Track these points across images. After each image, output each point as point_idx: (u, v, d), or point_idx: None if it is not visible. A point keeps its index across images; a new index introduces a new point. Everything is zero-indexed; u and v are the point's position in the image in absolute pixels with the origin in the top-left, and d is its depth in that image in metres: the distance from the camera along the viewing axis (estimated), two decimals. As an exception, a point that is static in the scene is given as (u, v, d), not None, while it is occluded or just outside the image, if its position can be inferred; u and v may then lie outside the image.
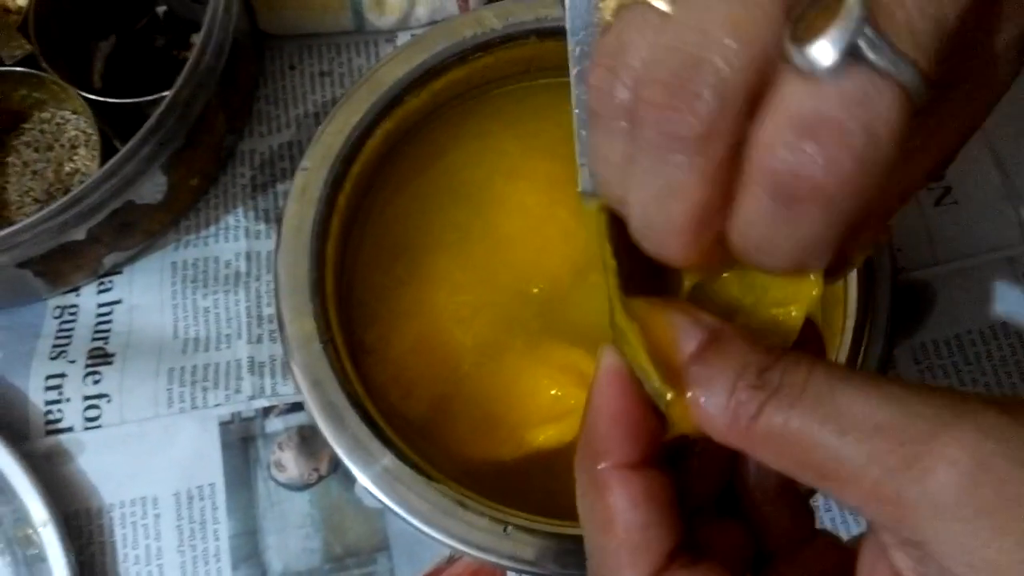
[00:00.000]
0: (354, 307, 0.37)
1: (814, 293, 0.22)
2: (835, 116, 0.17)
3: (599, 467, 0.20)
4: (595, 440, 0.21)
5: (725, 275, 0.23)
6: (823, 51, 0.17)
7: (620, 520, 0.20)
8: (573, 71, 0.26)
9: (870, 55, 0.17)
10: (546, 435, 0.35)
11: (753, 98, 0.17)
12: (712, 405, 0.19)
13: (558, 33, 0.39)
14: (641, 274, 0.22)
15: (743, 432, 0.19)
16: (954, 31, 0.18)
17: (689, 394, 0.19)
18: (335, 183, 0.36)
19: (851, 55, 0.17)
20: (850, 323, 0.34)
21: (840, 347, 0.34)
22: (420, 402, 0.36)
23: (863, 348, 0.33)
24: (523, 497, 0.34)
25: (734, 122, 0.18)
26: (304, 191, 0.36)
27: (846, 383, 0.18)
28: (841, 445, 0.17)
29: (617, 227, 0.22)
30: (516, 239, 0.38)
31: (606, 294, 0.22)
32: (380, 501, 0.32)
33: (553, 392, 0.36)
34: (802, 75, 0.17)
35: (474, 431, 0.36)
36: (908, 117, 0.17)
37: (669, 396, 0.19)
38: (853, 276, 0.34)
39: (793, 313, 0.23)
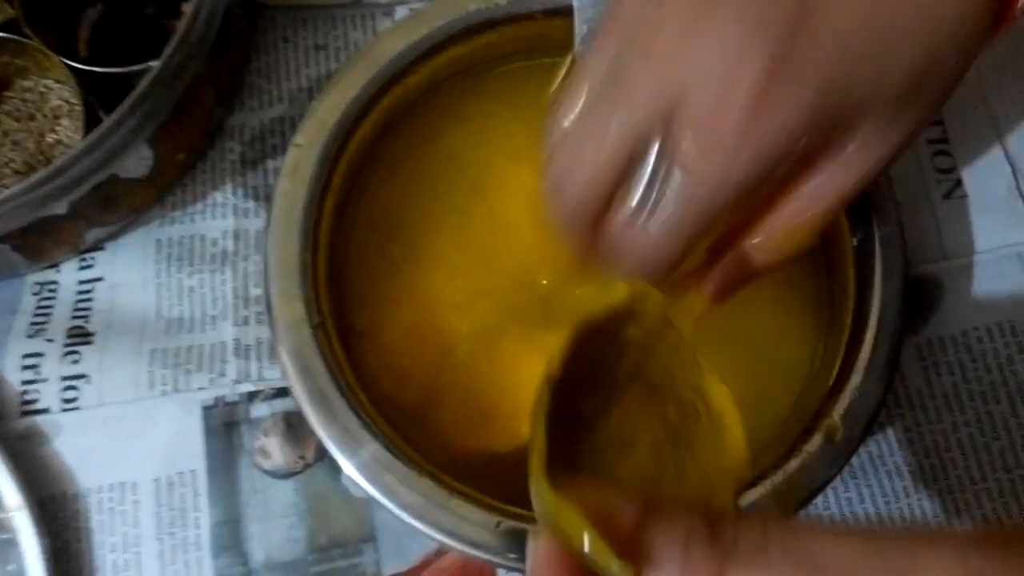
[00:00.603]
0: (346, 290, 0.36)
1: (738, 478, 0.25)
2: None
3: None
4: None
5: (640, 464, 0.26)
6: None
7: None
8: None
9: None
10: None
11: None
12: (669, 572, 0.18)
13: (565, 12, 0.37)
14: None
15: None
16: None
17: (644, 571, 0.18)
18: (329, 161, 0.35)
19: None
20: (859, 319, 0.33)
21: (847, 344, 0.33)
22: (412, 389, 0.35)
23: (872, 346, 0.32)
24: (516, 492, 0.33)
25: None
26: (296, 169, 0.34)
27: (808, 530, 0.18)
28: None
29: (558, 398, 0.24)
30: (517, 224, 0.36)
31: (601, 305, 0.22)
32: (367, 492, 0.30)
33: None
34: None
35: (467, 420, 0.35)
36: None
37: (624, 573, 0.18)
38: (863, 272, 0.33)
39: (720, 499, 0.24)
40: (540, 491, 0.21)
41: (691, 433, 0.28)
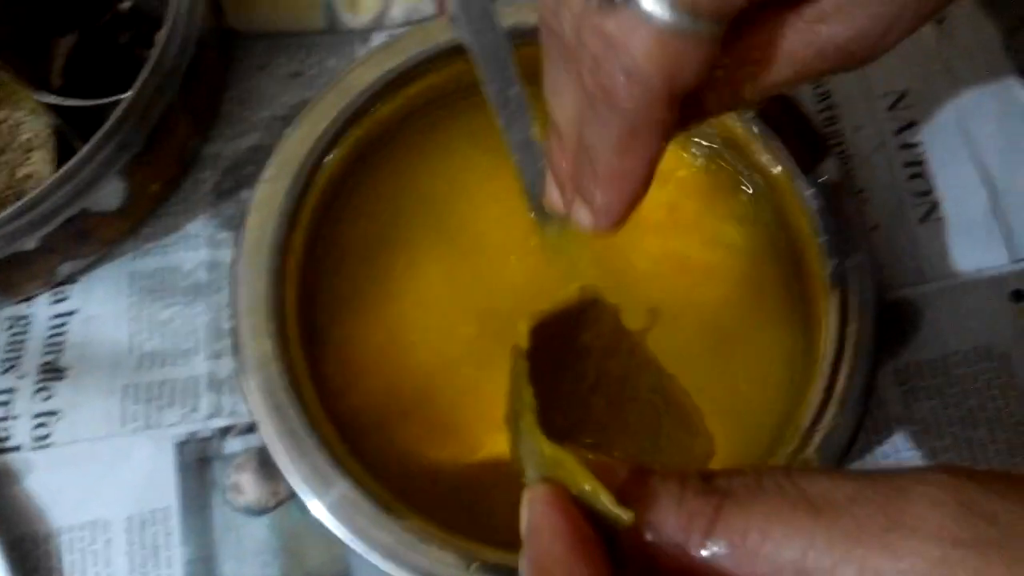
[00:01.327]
0: (318, 318, 0.36)
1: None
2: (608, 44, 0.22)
3: None
4: (552, 566, 0.19)
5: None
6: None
7: None
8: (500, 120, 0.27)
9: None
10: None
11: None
12: (663, 518, 0.18)
13: (535, 42, 0.37)
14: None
15: (700, 542, 0.18)
16: None
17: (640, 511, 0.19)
18: (298, 195, 0.34)
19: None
20: (831, 348, 0.33)
21: (823, 375, 0.33)
22: (378, 408, 0.35)
23: (847, 373, 0.32)
24: (484, 518, 0.33)
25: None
26: (265, 203, 0.34)
27: (801, 472, 0.18)
28: (817, 525, 0.17)
29: (534, 373, 0.24)
30: (483, 253, 0.36)
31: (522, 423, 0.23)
32: (336, 534, 0.30)
33: None
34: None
35: (430, 433, 0.35)
36: (663, 43, 0.21)
37: (624, 515, 0.19)
38: (835, 302, 0.33)
39: None
40: (537, 443, 0.21)
41: (656, 435, 0.28)
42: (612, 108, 0.23)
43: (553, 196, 0.30)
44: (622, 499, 0.19)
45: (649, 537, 0.19)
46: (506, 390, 0.36)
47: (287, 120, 0.43)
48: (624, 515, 0.18)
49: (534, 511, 0.20)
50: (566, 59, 0.25)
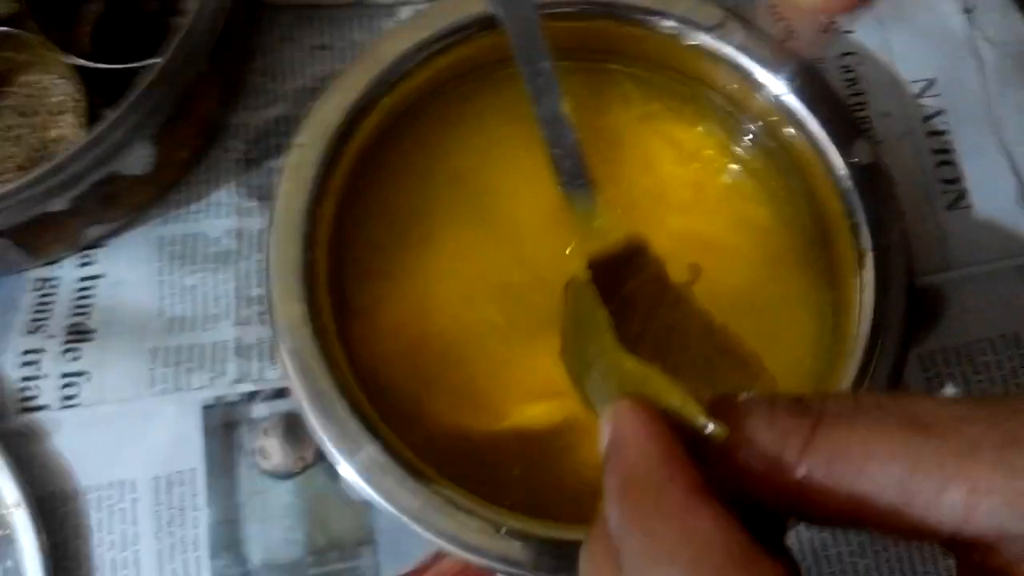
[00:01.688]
0: (347, 285, 0.36)
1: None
2: None
3: (667, 494, 0.17)
4: (643, 480, 0.18)
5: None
6: None
7: (721, 540, 0.17)
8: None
9: None
10: (533, 412, 0.35)
11: None
12: (756, 435, 0.17)
13: (567, 15, 0.38)
14: None
15: (796, 459, 0.17)
16: None
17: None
18: (330, 162, 0.34)
19: None
20: (864, 329, 0.33)
21: (851, 356, 0.33)
22: (404, 374, 0.35)
23: (875, 358, 0.32)
24: (505, 488, 0.33)
25: None
26: (297, 169, 0.34)
27: (904, 395, 0.17)
28: (926, 443, 0.16)
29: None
30: (513, 225, 0.37)
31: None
32: (365, 495, 0.30)
33: (549, 372, 0.35)
34: None
35: (454, 401, 0.35)
36: None
37: (718, 428, 0.18)
38: (867, 282, 0.33)
39: None
40: (618, 360, 0.20)
41: (711, 382, 0.28)
42: None
43: None
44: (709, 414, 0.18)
45: (741, 456, 0.18)
46: (531, 362, 0.36)
47: (313, 92, 0.44)
48: (718, 428, 0.18)
49: (621, 423, 0.19)
50: None
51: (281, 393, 0.37)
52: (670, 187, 0.39)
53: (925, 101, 0.44)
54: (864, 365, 0.32)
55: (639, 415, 0.19)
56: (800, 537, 0.36)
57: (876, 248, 0.33)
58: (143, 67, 0.38)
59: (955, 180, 0.42)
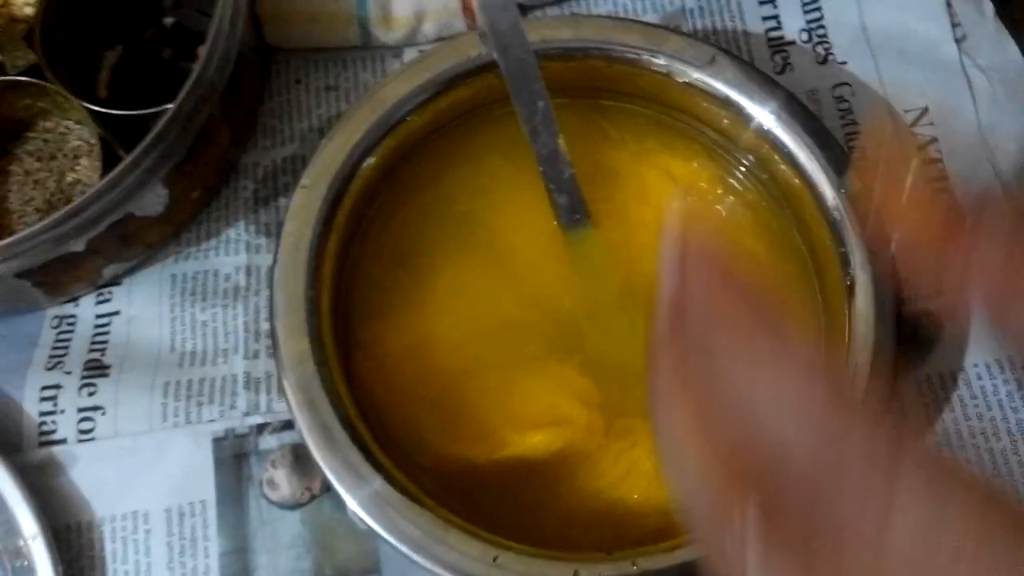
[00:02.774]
0: (350, 320, 0.37)
1: None
2: None
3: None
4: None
5: None
6: None
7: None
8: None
9: None
10: (532, 440, 0.36)
11: None
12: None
13: (565, 56, 0.39)
14: None
15: None
16: None
17: None
18: (334, 201, 0.36)
19: None
20: (852, 359, 0.34)
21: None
22: (406, 406, 0.36)
23: (866, 382, 0.33)
24: (505, 516, 0.34)
25: None
26: (303, 209, 0.35)
27: None
28: None
29: None
30: (515, 263, 0.38)
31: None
32: (368, 526, 0.31)
33: (548, 402, 0.36)
34: None
35: (456, 432, 0.36)
36: None
37: None
38: (858, 310, 0.34)
39: None
40: None
41: None
42: None
43: None
44: None
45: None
46: (530, 391, 0.37)
47: (322, 131, 0.45)
48: None
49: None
50: None
51: (289, 425, 0.38)
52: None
53: (919, 129, 0.44)
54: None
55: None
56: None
57: (864, 278, 0.34)
58: (157, 112, 0.39)
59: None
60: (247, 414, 0.39)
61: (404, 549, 0.31)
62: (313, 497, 0.37)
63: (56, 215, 0.36)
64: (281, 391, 0.33)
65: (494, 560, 0.30)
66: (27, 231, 0.36)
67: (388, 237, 0.38)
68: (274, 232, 0.43)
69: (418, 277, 0.38)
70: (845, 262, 0.35)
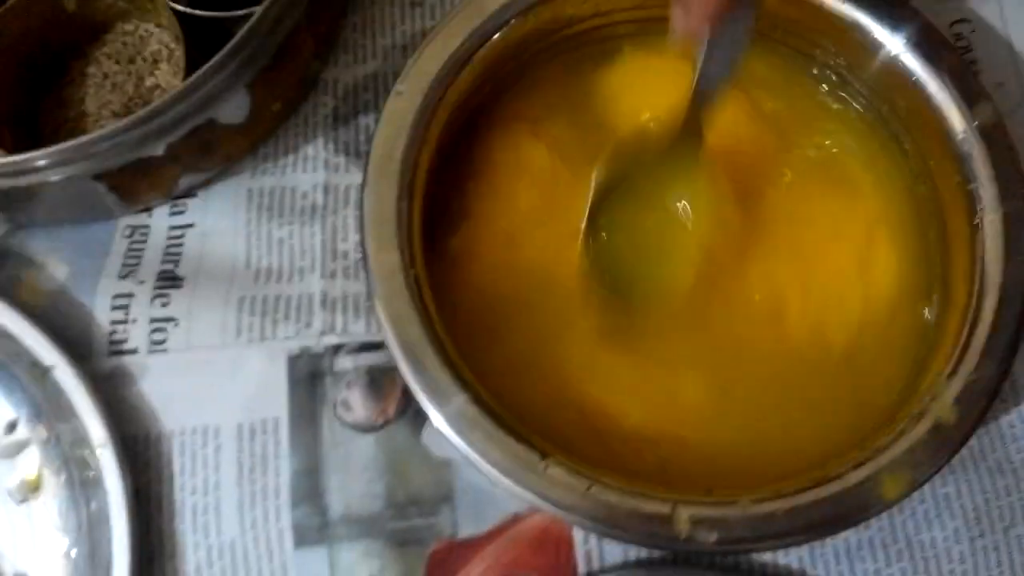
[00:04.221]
0: (435, 230, 0.36)
1: None
2: None
3: None
4: None
5: None
6: None
7: None
8: None
9: None
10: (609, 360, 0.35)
11: None
12: None
13: None
14: None
15: None
16: None
17: None
18: (428, 111, 0.34)
19: None
20: (976, 303, 0.31)
21: (963, 323, 0.31)
22: (487, 319, 0.35)
23: (992, 327, 0.31)
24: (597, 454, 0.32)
25: None
26: (396, 116, 0.34)
27: None
28: None
29: None
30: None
31: None
32: (454, 448, 0.30)
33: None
34: None
35: (533, 349, 0.35)
36: None
37: None
38: (987, 247, 0.31)
39: None
40: None
41: None
42: None
43: None
44: None
45: None
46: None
47: (406, 49, 0.43)
48: None
49: None
50: None
51: (365, 347, 0.37)
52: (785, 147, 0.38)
53: (1041, 76, 0.41)
54: (976, 334, 0.30)
55: None
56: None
57: (996, 214, 0.32)
58: (241, 16, 0.38)
59: None
60: (323, 333, 0.37)
61: (492, 473, 0.29)
62: (387, 421, 0.36)
63: (140, 112, 0.35)
64: (369, 305, 0.32)
65: (587, 489, 0.29)
66: (108, 128, 0.35)
67: (485, 153, 0.36)
68: (353, 151, 0.41)
69: (501, 190, 0.36)
70: (973, 199, 0.32)
